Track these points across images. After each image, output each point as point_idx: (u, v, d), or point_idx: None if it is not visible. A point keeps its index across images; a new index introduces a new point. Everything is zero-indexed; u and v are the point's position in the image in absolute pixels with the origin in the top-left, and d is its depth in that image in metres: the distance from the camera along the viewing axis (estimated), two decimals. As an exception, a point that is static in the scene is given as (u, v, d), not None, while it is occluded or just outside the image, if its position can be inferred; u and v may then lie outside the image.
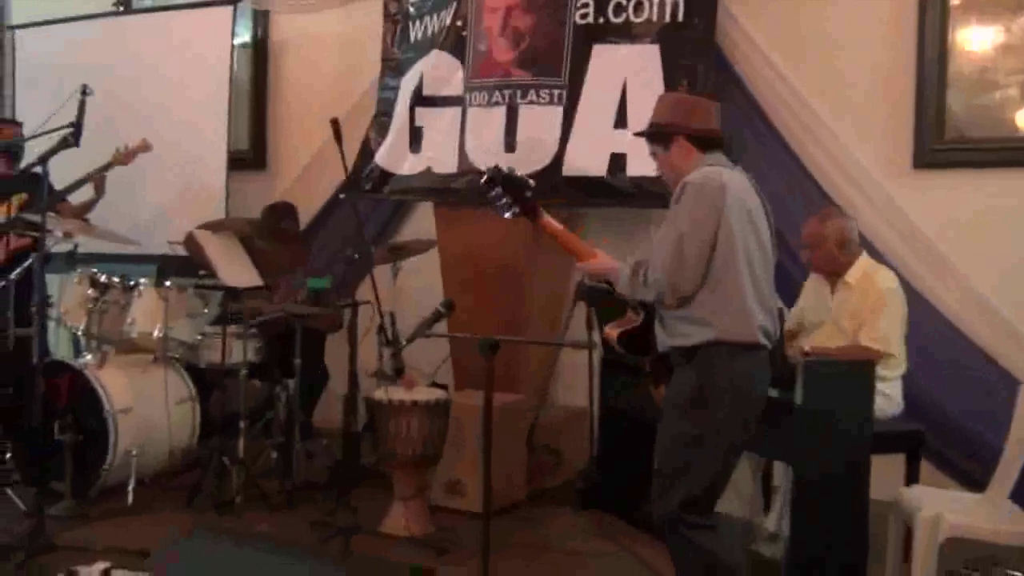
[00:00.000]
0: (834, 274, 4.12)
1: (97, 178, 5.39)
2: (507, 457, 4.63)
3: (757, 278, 2.94)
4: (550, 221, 3.18)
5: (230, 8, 6.41)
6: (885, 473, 3.85)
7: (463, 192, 5.27)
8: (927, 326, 4.53)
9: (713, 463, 2.94)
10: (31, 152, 4.58)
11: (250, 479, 4.68)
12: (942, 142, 4.70)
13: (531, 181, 3.18)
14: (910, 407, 4.16)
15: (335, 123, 4.47)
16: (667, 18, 4.94)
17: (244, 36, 6.77)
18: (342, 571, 2.14)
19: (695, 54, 4.88)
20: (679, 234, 2.89)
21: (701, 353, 2.91)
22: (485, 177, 3.15)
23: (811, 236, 4.11)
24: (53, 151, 4.16)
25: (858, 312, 3.97)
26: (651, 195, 4.66)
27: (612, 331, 3.21)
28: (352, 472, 4.72)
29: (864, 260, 4.12)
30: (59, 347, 5.95)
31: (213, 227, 5.12)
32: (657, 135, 3.14)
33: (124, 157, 5.39)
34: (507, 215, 3.16)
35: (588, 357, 4.88)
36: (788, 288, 4.18)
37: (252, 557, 2.12)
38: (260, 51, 6.83)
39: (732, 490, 4.06)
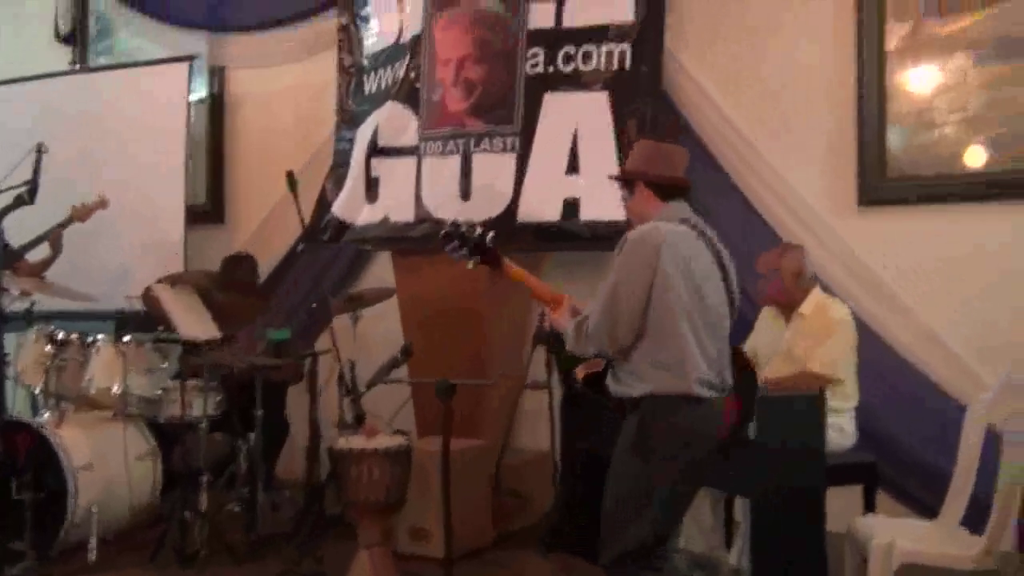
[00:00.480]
0: (788, 306, 4.22)
1: (54, 235, 5.39)
2: (471, 501, 4.64)
3: (699, 331, 2.95)
4: (511, 267, 3.26)
5: (186, 64, 6.48)
6: (844, 505, 3.92)
7: (420, 240, 5.32)
8: (881, 361, 4.61)
9: (657, 511, 2.95)
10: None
11: (214, 532, 4.62)
12: (884, 180, 4.82)
13: (489, 235, 3.24)
14: (868, 440, 4.22)
15: (290, 175, 4.53)
16: (615, 66, 5.07)
17: (201, 91, 6.83)
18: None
19: (643, 99, 5.00)
20: (614, 286, 2.97)
21: (643, 404, 2.96)
22: (442, 233, 3.23)
23: (768, 267, 4.21)
24: (8, 209, 4.17)
25: (810, 340, 4.05)
26: (606, 238, 4.71)
27: (580, 372, 3.29)
28: (317, 522, 4.69)
29: (818, 293, 4.24)
30: (16, 405, 5.89)
31: (171, 280, 5.11)
32: (624, 180, 3.25)
33: (81, 214, 5.40)
34: (469, 265, 3.24)
35: (548, 399, 4.93)
36: (740, 325, 4.26)
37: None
38: (217, 106, 6.88)
39: (692, 523, 4.13)
